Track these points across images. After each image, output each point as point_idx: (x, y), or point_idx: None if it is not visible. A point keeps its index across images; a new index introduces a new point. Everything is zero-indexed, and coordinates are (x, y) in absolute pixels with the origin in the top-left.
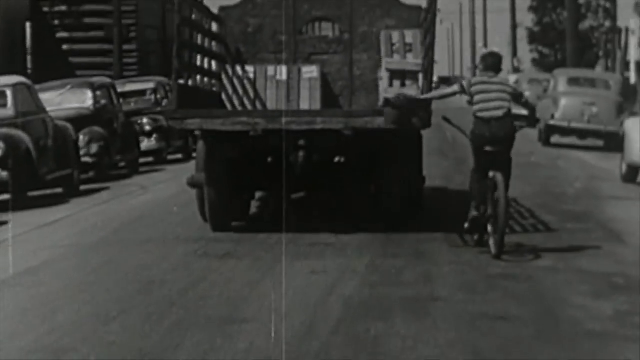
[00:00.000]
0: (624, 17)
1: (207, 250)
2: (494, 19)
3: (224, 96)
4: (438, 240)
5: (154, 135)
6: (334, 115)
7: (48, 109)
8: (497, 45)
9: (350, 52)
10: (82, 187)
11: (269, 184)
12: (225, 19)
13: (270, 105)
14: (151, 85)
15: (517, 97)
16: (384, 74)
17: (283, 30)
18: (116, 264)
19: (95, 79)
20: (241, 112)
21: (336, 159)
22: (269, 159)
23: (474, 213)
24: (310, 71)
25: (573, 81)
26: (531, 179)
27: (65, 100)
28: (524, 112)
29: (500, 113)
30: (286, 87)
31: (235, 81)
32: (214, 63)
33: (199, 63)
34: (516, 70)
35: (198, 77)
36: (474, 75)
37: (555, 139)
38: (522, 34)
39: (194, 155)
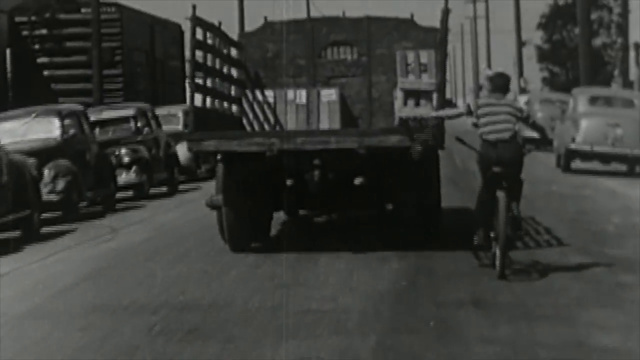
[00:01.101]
0: (635, 32)
1: (166, 325)
2: (499, 39)
3: (244, 121)
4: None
5: (134, 168)
6: (348, 134)
7: (10, 140)
8: (502, 65)
9: (369, 75)
10: (46, 229)
11: (287, 204)
12: (245, 45)
13: (290, 128)
14: (131, 112)
15: (524, 119)
16: (398, 94)
17: (302, 54)
18: (36, 349)
19: (63, 106)
20: (256, 133)
21: (358, 180)
22: (285, 179)
23: (480, 232)
24: (330, 94)
25: (594, 100)
26: (560, 213)
27: (30, 131)
28: (535, 134)
29: (506, 135)
30: (306, 111)
31: (256, 106)
32: (233, 88)
33: (217, 87)
34: (523, 90)
35: (216, 101)
36: (477, 97)
37: (575, 164)
38: (530, 52)
39: (180, 188)
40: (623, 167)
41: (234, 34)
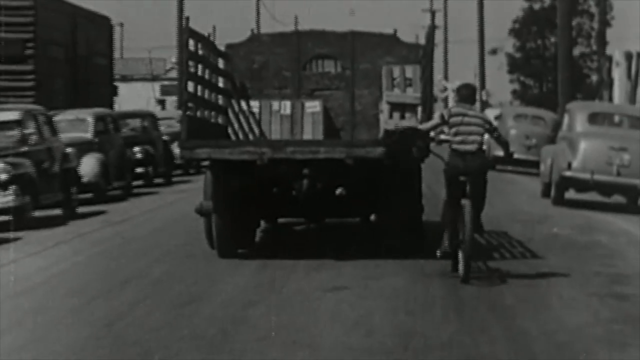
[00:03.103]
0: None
1: None
2: (465, 49)
3: (230, 130)
4: None
5: (12, 187)
6: (337, 145)
7: None
8: (461, 77)
9: (352, 88)
10: None
11: (274, 212)
12: (232, 56)
13: (275, 138)
14: (15, 115)
15: (491, 130)
16: (384, 107)
17: (287, 66)
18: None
19: None
20: (248, 142)
21: (338, 191)
22: (275, 188)
23: (445, 243)
24: (313, 106)
25: (594, 118)
26: (584, 273)
27: None
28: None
29: (473, 148)
30: (290, 122)
31: (241, 115)
32: (220, 97)
33: (206, 96)
34: (485, 104)
35: (206, 110)
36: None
37: (568, 193)
38: (501, 61)
39: (83, 210)
40: (620, 198)
41: (222, 46)
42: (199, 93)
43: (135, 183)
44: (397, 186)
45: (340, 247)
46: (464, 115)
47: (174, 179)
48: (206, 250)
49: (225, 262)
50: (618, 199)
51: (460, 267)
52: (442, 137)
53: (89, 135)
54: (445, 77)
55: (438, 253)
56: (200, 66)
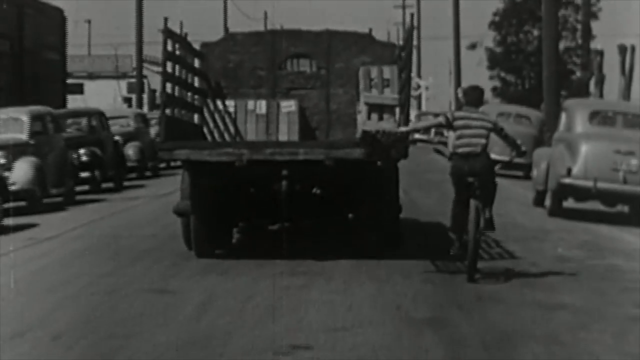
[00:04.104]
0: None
1: None
2: (441, 45)
3: (205, 129)
4: None
5: None
6: (316, 146)
7: None
8: (436, 74)
9: (327, 88)
10: None
11: (253, 213)
12: (207, 55)
13: (250, 138)
14: None
15: (497, 131)
16: (362, 108)
17: (262, 65)
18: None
19: None
20: (227, 144)
21: (315, 190)
22: (253, 189)
23: (456, 244)
24: (289, 105)
25: (597, 117)
26: (618, 319)
27: None
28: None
29: (477, 149)
30: (265, 121)
31: (216, 115)
32: (196, 97)
33: (183, 97)
34: (462, 102)
35: (183, 111)
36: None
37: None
38: (481, 56)
39: (3, 223)
40: (619, 208)
41: (197, 45)
42: (176, 93)
43: (80, 189)
44: (375, 186)
45: (312, 255)
46: (468, 118)
47: (126, 184)
48: (139, 286)
49: (153, 307)
50: (618, 207)
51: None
52: (417, 136)
53: (23, 136)
54: (419, 75)
55: (451, 251)
56: (177, 66)
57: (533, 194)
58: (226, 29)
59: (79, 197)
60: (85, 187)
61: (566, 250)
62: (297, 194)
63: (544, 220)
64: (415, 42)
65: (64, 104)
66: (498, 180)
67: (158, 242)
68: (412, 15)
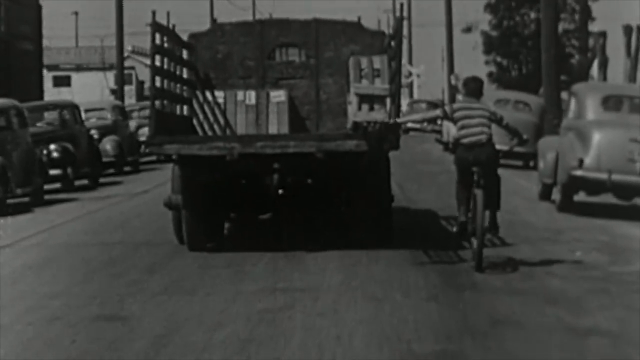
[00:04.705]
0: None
1: None
2: (428, 30)
3: (195, 121)
4: None
5: None
6: (307, 139)
7: None
8: (428, 61)
9: (317, 77)
10: None
11: (245, 206)
12: (195, 46)
13: (240, 129)
14: None
15: (498, 121)
16: (352, 98)
17: (251, 56)
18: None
19: None
20: (217, 137)
21: (307, 183)
22: (244, 182)
23: (462, 218)
24: (278, 95)
25: (610, 102)
26: None
27: None
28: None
29: (483, 139)
30: (255, 112)
31: (206, 106)
32: (185, 89)
33: (171, 89)
34: (454, 89)
35: (172, 103)
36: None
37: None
38: (476, 41)
39: None
40: (636, 201)
41: (184, 35)
42: (165, 86)
43: (51, 187)
44: (367, 177)
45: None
46: (468, 109)
47: (103, 181)
48: (88, 312)
49: (99, 341)
50: (634, 201)
51: (475, 256)
52: (410, 125)
53: None
54: (410, 62)
55: (455, 228)
56: (166, 59)
57: (538, 186)
58: (214, 19)
59: (48, 197)
60: (57, 186)
61: (585, 255)
62: (288, 187)
63: (553, 217)
64: (405, 31)
65: (41, 96)
66: (502, 173)
67: (123, 251)
68: (401, 5)
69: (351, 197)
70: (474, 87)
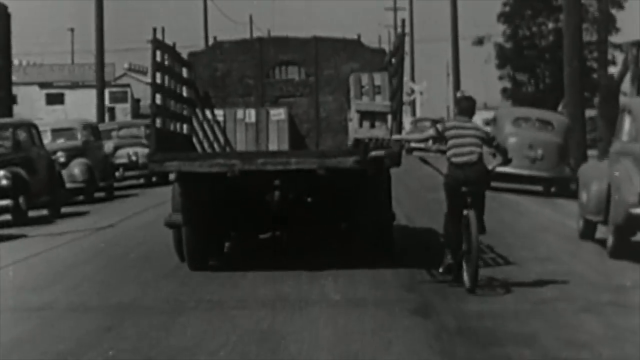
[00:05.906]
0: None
1: None
2: (434, 46)
3: (194, 139)
4: None
5: None
6: (308, 155)
7: None
8: (432, 77)
9: (316, 95)
10: None
11: (245, 223)
12: (195, 64)
13: (240, 147)
14: None
15: (488, 141)
16: (353, 115)
17: (251, 74)
18: None
19: None
20: (218, 154)
21: (308, 200)
22: (245, 199)
23: (448, 258)
24: (278, 113)
25: None
26: None
27: None
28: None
29: (474, 158)
30: (255, 130)
31: (205, 125)
32: (185, 107)
33: (172, 107)
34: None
35: (172, 121)
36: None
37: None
38: (489, 53)
39: None
40: None
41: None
42: (165, 104)
43: (0, 219)
44: (368, 194)
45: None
46: (460, 127)
47: (67, 210)
48: None
49: None
50: None
51: (466, 277)
52: (413, 145)
53: None
54: (412, 79)
55: (440, 269)
56: (166, 77)
57: (579, 223)
58: (214, 37)
59: None
60: (8, 218)
61: None
62: (289, 204)
63: (609, 267)
64: (407, 47)
65: (10, 113)
66: (512, 196)
67: (47, 319)
68: (403, 20)
69: (352, 213)
70: (466, 106)
